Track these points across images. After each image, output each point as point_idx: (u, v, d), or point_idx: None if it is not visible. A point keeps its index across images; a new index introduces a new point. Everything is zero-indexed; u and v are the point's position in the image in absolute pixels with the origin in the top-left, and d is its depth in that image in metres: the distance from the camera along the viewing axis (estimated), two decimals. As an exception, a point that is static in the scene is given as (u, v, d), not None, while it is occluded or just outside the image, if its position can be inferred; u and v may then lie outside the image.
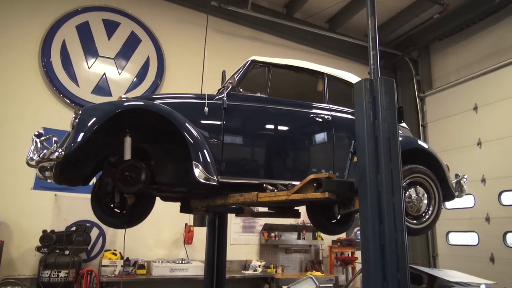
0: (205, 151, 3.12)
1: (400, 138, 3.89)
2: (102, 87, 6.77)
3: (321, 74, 3.94)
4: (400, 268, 2.30)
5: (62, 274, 5.24)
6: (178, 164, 3.26)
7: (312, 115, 3.66)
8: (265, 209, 5.13)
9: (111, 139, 3.20)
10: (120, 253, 6.05)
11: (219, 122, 3.35)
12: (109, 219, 3.89)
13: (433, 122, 8.83)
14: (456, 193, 4.19)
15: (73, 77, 6.64)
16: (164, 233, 6.73)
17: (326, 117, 3.72)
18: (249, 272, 6.72)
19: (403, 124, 4.38)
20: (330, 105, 3.83)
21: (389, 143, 2.50)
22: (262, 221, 7.40)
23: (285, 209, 4.85)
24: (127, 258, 6.00)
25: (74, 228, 5.91)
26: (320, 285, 6.92)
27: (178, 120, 3.09)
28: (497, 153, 7.06)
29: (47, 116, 6.17)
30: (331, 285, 6.90)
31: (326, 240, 7.68)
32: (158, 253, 6.58)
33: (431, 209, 3.78)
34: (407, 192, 3.55)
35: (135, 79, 7.16)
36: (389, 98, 2.60)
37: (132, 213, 3.87)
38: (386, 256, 2.31)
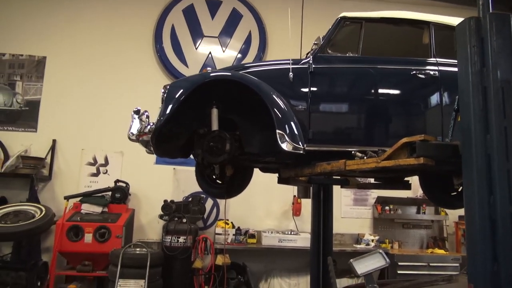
0: (291, 121, 2.98)
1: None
2: (208, 66, 7.06)
3: (426, 23, 3.38)
4: (517, 248, 1.85)
5: (181, 239, 5.74)
6: (265, 134, 3.18)
7: (413, 72, 3.19)
8: (371, 180, 4.79)
9: (201, 111, 3.29)
10: (232, 222, 6.37)
11: (305, 87, 3.17)
12: (212, 190, 4.08)
13: None
14: None
15: (182, 59, 7.08)
16: (273, 205, 6.85)
17: (431, 73, 3.20)
18: (361, 246, 6.43)
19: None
20: (438, 59, 3.28)
21: (502, 94, 1.99)
22: (375, 193, 6.96)
23: (393, 180, 4.44)
24: (238, 227, 6.29)
25: (190, 199, 6.42)
26: (445, 265, 6.29)
27: (264, 91, 2.99)
28: None
29: (163, 97, 6.70)
30: (457, 265, 6.17)
31: (451, 215, 6.87)
32: (268, 224, 6.74)
33: None
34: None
35: (238, 55, 7.30)
36: (503, 38, 2.06)
37: (231, 184, 3.98)
38: (498, 233, 1.88)
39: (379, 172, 3.26)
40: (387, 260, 1.47)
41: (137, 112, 3.34)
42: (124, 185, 6.38)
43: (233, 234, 6.17)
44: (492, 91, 2.01)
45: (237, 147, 3.23)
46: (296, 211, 6.56)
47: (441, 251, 6.50)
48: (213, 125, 3.14)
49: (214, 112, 3.16)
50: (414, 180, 4.33)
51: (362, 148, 2.92)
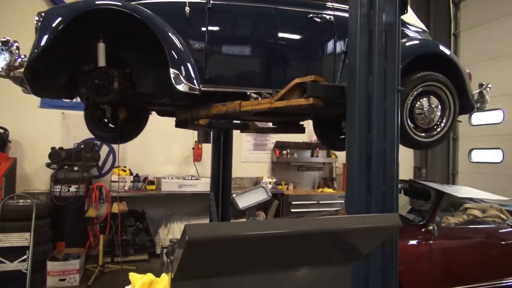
0: (187, 61, 2.83)
1: (416, 42, 3.49)
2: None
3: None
4: (387, 180, 2.05)
5: (73, 188, 5.37)
6: (160, 73, 2.99)
7: (310, 15, 3.21)
8: (269, 125, 4.92)
9: (86, 45, 2.93)
10: (129, 169, 6.13)
11: (203, 25, 3.00)
12: (103, 134, 3.83)
13: (467, 30, 7.95)
14: (477, 104, 3.78)
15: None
16: (174, 150, 6.73)
17: (327, 17, 3.26)
18: (260, 188, 6.71)
19: (422, 26, 3.86)
20: (334, 4, 3.34)
21: (384, 37, 2.10)
22: (274, 138, 7.23)
23: (289, 123, 4.61)
24: (137, 174, 6.08)
25: (83, 146, 5.96)
26: (333, 202, 6.96)
27: (158, 27, 2.75)
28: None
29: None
30: (343, 201, 6.84)
31: (340, 158, 7.49)
32: (168, 170, 6.63)
33: (444, 121, 3.44)
34: (418, 102, 3.19)
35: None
36: (390, -18, 2.14)
37: (125, 128, 3.77)
38: (372, 168, 2.06)
39: (274, 114, 3.33)
40: (269, 194, 1.50)
41: (4, 43, 2.85)
42: (2, 131, 5.64)
43: (131, 181, 5.96)
44: (376, 33, 2.11)
45: (128, 87, 3.00)
46: (197, 156, 6.55)
47: (330, 190, 7.13)
48: (100, 61, 2.85)
49: (101, 46, 2.85)
50: (310, 125, 4.56)
51: (259, 90, 2.93)
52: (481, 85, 3.86)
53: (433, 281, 3.52)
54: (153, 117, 4.08)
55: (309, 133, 7.40)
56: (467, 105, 3.66)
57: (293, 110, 2.66)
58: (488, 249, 3.84)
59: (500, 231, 3.98)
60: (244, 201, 1.37)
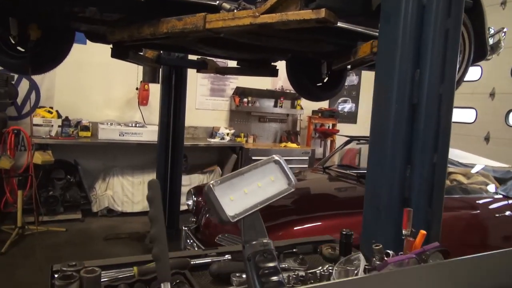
0: None
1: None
2: None
3: None
4: (440, 146, 1.30)
5: (-21, 132, 4.23)
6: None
7: None
8: (234, 64, 4.05)
9: None
10: (57, 111, 5.01)
11: None
12: (9, 60, 2.79)
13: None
14: (489, 52, 3.16)
15: None
16: (115, 91, 5.63)
17: None
18: (216, 140, 5.89)
19: None
20: None
21: None
22: (234, 84, 6.31)
23: (259, 63, 3.78)
24: (66, 117, 4.96)
25: (-7, 78, 4.71)
26: (296, 158, 6.32)
27: None
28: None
29: None
30: (307, 158, 6.25)
31: (306, 110, 6.78)
32: (108, 114, 5.56)
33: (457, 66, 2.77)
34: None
35: None
36: None
37: (40, 53, 2.76)
38: (419, 124, 1.29)
39: (244, 47, 2.45)
40: (293, 180, 0.69)
41: None
42: None
43: (59, 126, 4.84)
44: None
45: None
46: (143, 99, 5.51)
47: (294, 145, 6.47)
48: None
49: None
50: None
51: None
52: (489, 29, 3.21)
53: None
54: (89, 45, 3.08)
55: (273, 80, 6.57)
56: (480, 52, 3.03)
57: (283, 34, 1.81)
58: (479, 221, 3.37)
59: (488, 200, 3.51)
60: (236, 202, 0.54)
